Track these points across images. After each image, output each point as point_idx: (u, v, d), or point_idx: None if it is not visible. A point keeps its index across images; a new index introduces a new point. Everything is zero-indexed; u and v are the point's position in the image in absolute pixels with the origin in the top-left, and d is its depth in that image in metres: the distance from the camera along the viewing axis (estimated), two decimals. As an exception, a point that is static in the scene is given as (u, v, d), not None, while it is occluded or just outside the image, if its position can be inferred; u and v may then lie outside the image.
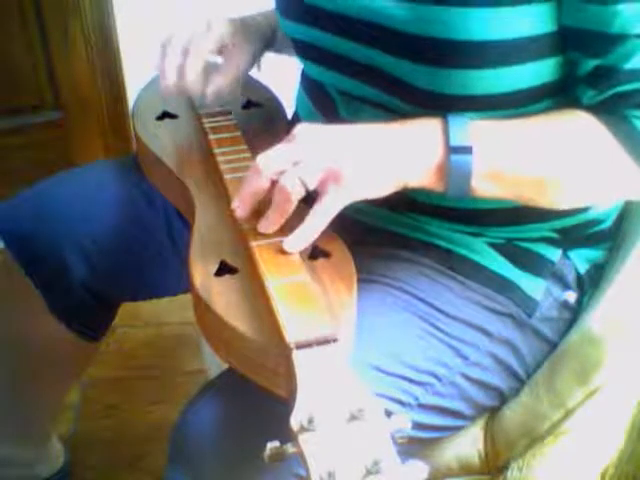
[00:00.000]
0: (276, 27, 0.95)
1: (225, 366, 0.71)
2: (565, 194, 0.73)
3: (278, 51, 0.98)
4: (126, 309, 1.06)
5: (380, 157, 0.68)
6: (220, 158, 0.82)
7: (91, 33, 1.79)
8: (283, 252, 0.67)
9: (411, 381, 0.76)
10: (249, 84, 1.00)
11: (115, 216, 0.93)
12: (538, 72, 0.72)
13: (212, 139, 0.86)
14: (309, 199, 0.68)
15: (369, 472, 0.46)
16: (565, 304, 0.83)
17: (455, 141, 0.68)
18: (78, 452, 1.32)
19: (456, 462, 0.85)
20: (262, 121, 0.97)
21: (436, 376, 0.77)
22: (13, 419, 1.10)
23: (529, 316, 0.81)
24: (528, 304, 0.81)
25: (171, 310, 1.62)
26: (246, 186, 0.69)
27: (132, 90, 1.81)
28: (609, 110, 0.70)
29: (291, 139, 0.69)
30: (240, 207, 0.70)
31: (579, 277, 0.83)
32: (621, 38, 0.67)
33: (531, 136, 0.71)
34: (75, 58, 1.83)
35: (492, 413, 0.85)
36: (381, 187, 0.69)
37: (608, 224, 0.85)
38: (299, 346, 0.57)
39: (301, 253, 0.68)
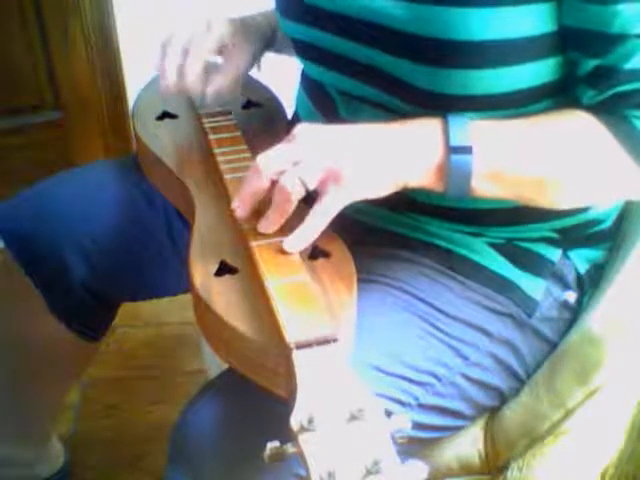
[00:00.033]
0: (276, 27, 0.95)
1: (225, 366, 0.71)
2: (565, 194, 0.73)
3: (278, 51, 0.98)
4: (126, 309, 1.06)
5: (380, 157, 0.68)
6: (220, 158, 0.82)
7: (91, 33, 1.79)
8: (283, 252, 0.67)
9: (411, 381, 0.76)
10: (249, 84, 1.00)
11: (115, 216, 0.93)
12: (538, 72, 0.72)
13: (212, 139, 0.86)
14: (309, 199, 0.68)
15: (369, 472, 0.46)
16: (565, 304, 0.83)
17: (455, 141, 0.68)
18: (78, 452, 1.32)
19: (456, 462, 0.85)
20: (262, 121, 0.97)
21: (436, 376, 0.77)
22: (13, 419, 1.11)
23: (529, 316, 0.81)
24: (528, 304, 0.81)
25: (171, 310, 1.62)
26: (246, 186, 0.69)
27: (132, 90, 1.81)
28: (609, 110, 0.70)
29: (291, 139, 0.69)
30: (240, 207, 0.70)
31: (579, 277, 0.83)
32: (621, 38, 0.67)
33: (531, 136, 0.71)
34: (75, 58, 1.83)
35: (492, 413, 0.85)
36: (381, 187, 0.69)
37: (608, 224, 0.85)
38: (299, 346, 0.57)
39: (301, 253, 0.68)
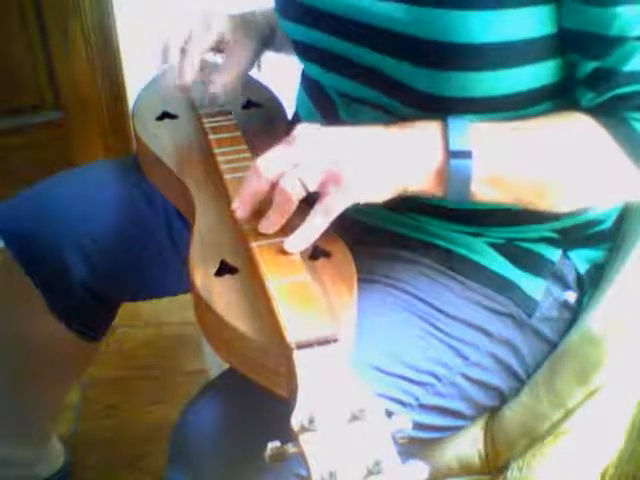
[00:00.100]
0: (275, 26, 0.95)
1: (226, 366, 0.71)
2: (565, 197, 0.73)
3: (277, 50, 0.98)
4: (126, 309, 1.06)
5: (380, 161, 0.68)
6: (220, 158, 0.82)
7: (91, 33, 1.79)
8: (284, 252, 0.67)
9: (411, 381, 0.76)
10: (249, 84, 1.00)
11: (115, 216, 0.93)
12: (537, 74, 0.72)
13: (212, 139, 0.86)
14: (310, 199, 0.68)
15: (370, 472, 0.46)
16: (565, 304, 0.83)
17: (455, 146, 0.68)
18: (78, 452, 1.32)
19: (456, 462, 0.85)
20: (262, 121, 0.97)
21: (436, 376, 0.77)
22: (13, 419, 1.11)
23: (529, 316, 0.81)
24: (528, 304, 0.81)
25: (171, 310, 1.62)
26: (246, 187, 0.69)
27: (132, 90, 1.81)
28: (608, 112, 0.70)
29: (291, 141, 0.69)
30: (240, 208, 0.70)
31: (579, 277, 0.83)
32: (620, 40, 0.67)
33: (530, 139, 0.71)
34: (75, 58, 1.83)
35: (492, 413, 0.85)
36: (381, 190, 0.69)
37: (608, 224, 0.85)
38: (300, 346, 0.57)
39: (302, 253, 0.68)
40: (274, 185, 0.67)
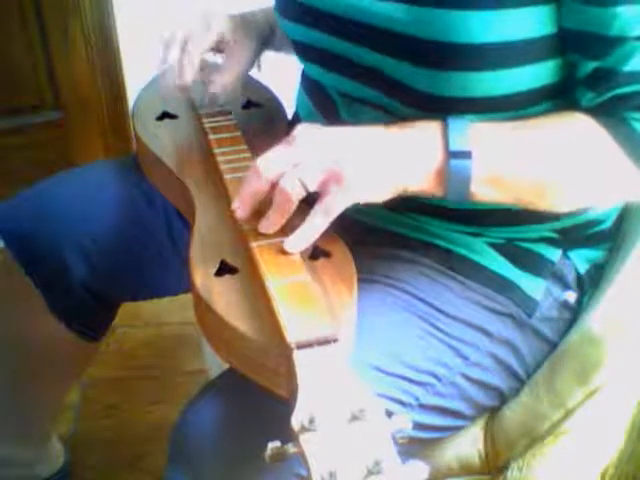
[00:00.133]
0: (274, 25, 0.96)
1: (226, 366, 0.71)
2: (565, 197, 0.73)
3: (277, 50, 0.98)
4: (126, 309, 1.06)
5: (380, 161, 0.68)
6: (220, 158, 0.82)
7: (91, 33, 1.79)
8: (284, 252, 0.67)
9: (411, 381, 0.76)
10: (249, 84, 1.01)
11: (115, 216, 0.93)
12: (537, 74, 0.72)
13: (212, 139, 0.86)
14: (310, 199, 0.68)
15: (370, 472, 0.46)
16: (565, 304, 0.83)
17: (455, 146, 0.68)
18: (78, 452, 1.32)
19: (456, 462, 0.85)
20: (262, 121, 0.97)
21: (436, 376, 0.77)
22: (13, 419, 1.11)
23: (529, 316, 0.81)
24: (528, 304, 0.81)
25: (171, 310, 1.62)
26: (246, 187, 0.69)
27: (132, 90, 1.82)
28: (608, 112, 0.70)
29: (291, 141, 0.69)
30: (240, 208, 0.70)
31: (579, 277, 0.83)
32: (620, 40, 0.67)
33: (530, 139, 0.71)
34: (75, 58, 1.83)
35: (492, 413, 0.85)
36: (381, 190, 0.69)
37: (608, 224, 0.85)
38: (300, 346, 0.57)
39: (302, 253, 0.68)
40: (274, 185, 0.67)
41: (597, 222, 0.84)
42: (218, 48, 0.93)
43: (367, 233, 0.84)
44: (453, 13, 0.68)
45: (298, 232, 0.68)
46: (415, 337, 0.77)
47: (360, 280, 0.69)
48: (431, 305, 0.79)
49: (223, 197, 0.77)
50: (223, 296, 0.65)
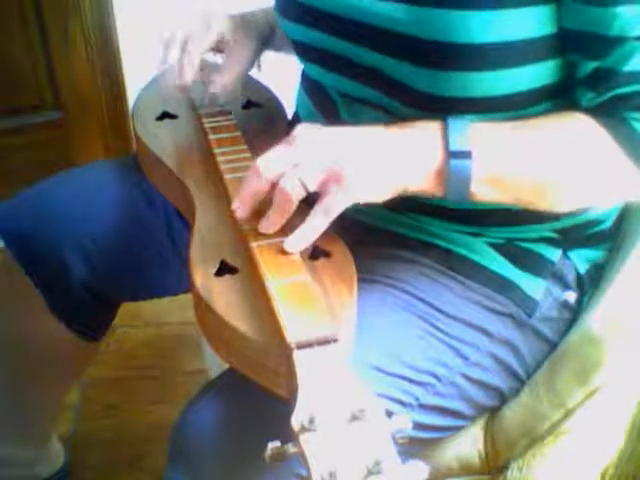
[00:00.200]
0: (274, 25, 0.96)
1: (226, 366, 0.71)
2: (565, 197, 0.73)
3: (277, 50, 0.98)
4: (126, 309, 1.06)
5: (380, 161, 0.68)
6: (220, 158, 0.82)
7: (91, 33, 1.79)
8: (284, 252, 0.67)
9: (411, 381, 0.76)
10: (249, 84, 1.01)
11: (115, 216, 0.93)
12: (537, 74, 0.72)
13: (212, 139, 0.86)
14: (310, 199, 0.68)
15: (370, 472, 0.46)
16: (565, 304, 0.83)
17: (455, 146, 0.68)
18: (78, 452, 1.32)
19: (456, 462, 0.85)
20: (262, 121, 0.97)
21: (436, 376, 0.77)
22: (13, 419, 1.11)
23: (529, 316, 0.81)
24: (528, 304, 0.81)
25: (171, 310, 1.62)
26: (246, 187, 0.69)
27: (132, 90, 1.82)
28: (608, 112, 0.70)
29: (291, 141, 0.69)
30: (240, 208, 0.70)
31: (579, 277, 0.83)
32: (620, 40, 0.67)
33: (530, 139, 0.71)
34: (75, 58, 1.83)
35: (492, 413, 0.85)
36: (381, 190, 0.69)
37: (608, 224, 0.85)
38: (300, 346, 0.57)
39: (302, 253, 0.68)
40: (274, 185, 0.67)
41: (597, 222, 0.84)
42: (218, 48, 0.93)
43: (367, 233, 0.84)
44: (453, 13, 0.68)
45: (298, 232, 0.68)
46: (415, 337, 0.77)
47: (360, 280, 0.69)
48: (431, 305, 0.79)
49: (223, 197, 0.77)
50: (223, 296, 0.65)
